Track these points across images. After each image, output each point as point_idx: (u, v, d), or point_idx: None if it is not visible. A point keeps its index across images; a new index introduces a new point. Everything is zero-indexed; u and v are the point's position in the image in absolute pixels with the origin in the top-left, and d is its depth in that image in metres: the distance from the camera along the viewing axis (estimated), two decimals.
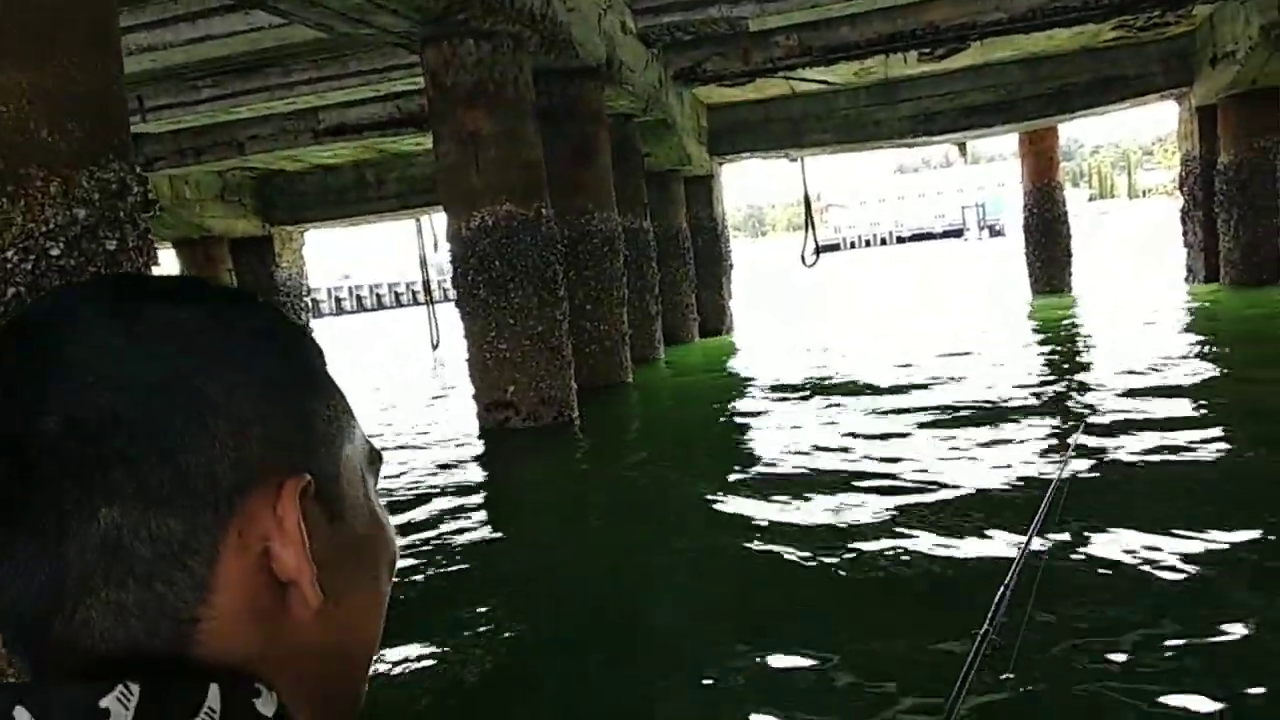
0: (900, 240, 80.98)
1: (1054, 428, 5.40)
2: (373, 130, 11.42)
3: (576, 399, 7.26)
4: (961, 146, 14.40)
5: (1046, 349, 9.11)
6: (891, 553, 3.42)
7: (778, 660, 2.67)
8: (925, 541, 3.50)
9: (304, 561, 0.42)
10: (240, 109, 10.22)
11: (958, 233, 75.70)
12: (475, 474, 6.12)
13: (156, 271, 2.99)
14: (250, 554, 0.42)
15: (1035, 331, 10.64)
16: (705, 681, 2.63)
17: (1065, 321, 11.02)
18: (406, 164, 14.19)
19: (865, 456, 5.08)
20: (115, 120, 2.85)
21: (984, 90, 12.22)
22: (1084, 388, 6.65)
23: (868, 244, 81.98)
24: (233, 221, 13.82)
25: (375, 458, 0.51)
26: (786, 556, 3.53)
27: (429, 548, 4.27)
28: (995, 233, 72.60)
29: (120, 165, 2.79)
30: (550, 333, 7.02)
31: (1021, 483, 4.22)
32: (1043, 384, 7.06)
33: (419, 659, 2.96)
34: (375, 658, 0.50)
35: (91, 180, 2.68)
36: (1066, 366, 7.96)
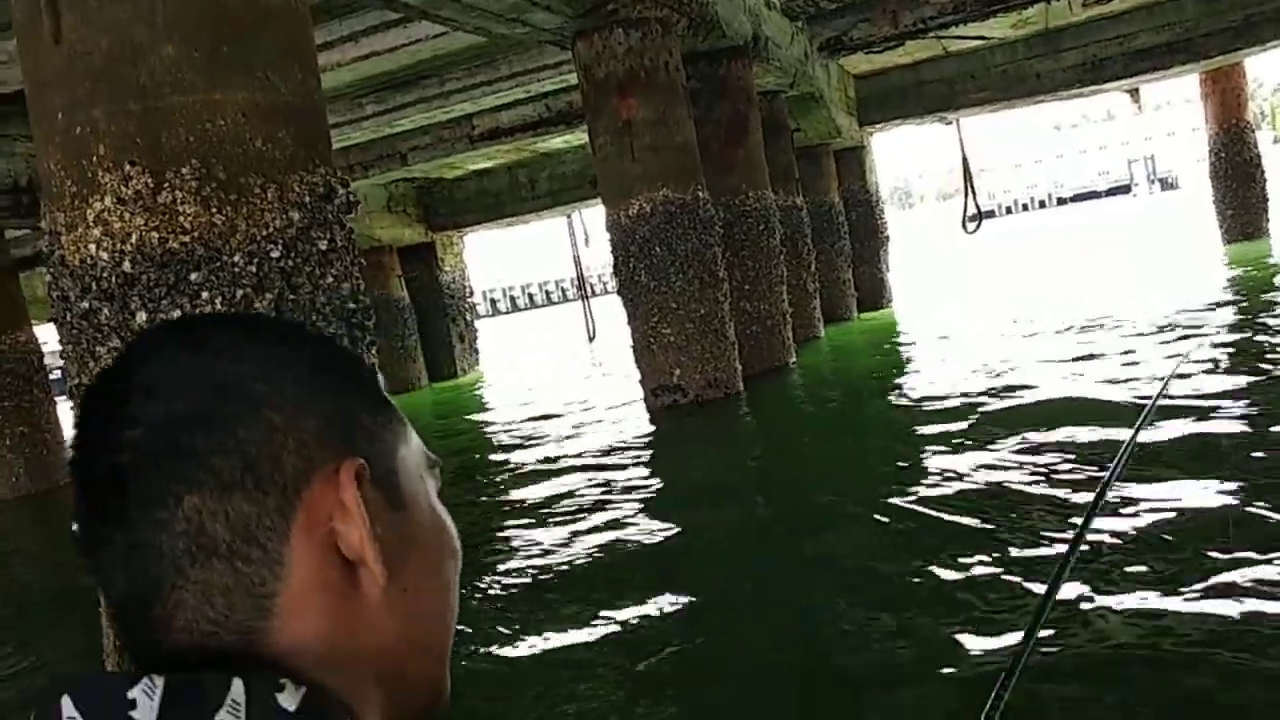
0: (1061, 202, 76.40)
1: None
2: (524, 131, 11.71)
3: (742, 380, 7.23)
4: (1134, 93, 13.40)
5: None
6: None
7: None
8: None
9: (367, 539, 0.46)
10: (402, 122, 10.69)
11: (1125, 189, 70.78)
12: (647, 455, 6.19)
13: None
14: (317, 533, 0.46)
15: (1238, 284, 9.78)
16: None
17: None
18: (556, 162, 14.50)
19: (1051, 456, 4.79)
20: (318, 128, 3.02)
21: (1158, 30, 11.32)
22: None
23: (1025, 207, 77.77)
24: (399, 230, 14.51)
25: (433, 463, 0.55)
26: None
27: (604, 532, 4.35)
28: (1168, 185, 67.46)
29: (325, 170, 2.95)
30: (713, 315, 7.02)
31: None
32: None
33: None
34: (449, 651, 0.53)
35: (302, 185, 2.85)
36: None
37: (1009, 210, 76.49)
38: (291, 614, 0.45)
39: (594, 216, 15.77)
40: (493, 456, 7.53)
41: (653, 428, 6.91)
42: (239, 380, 0.47)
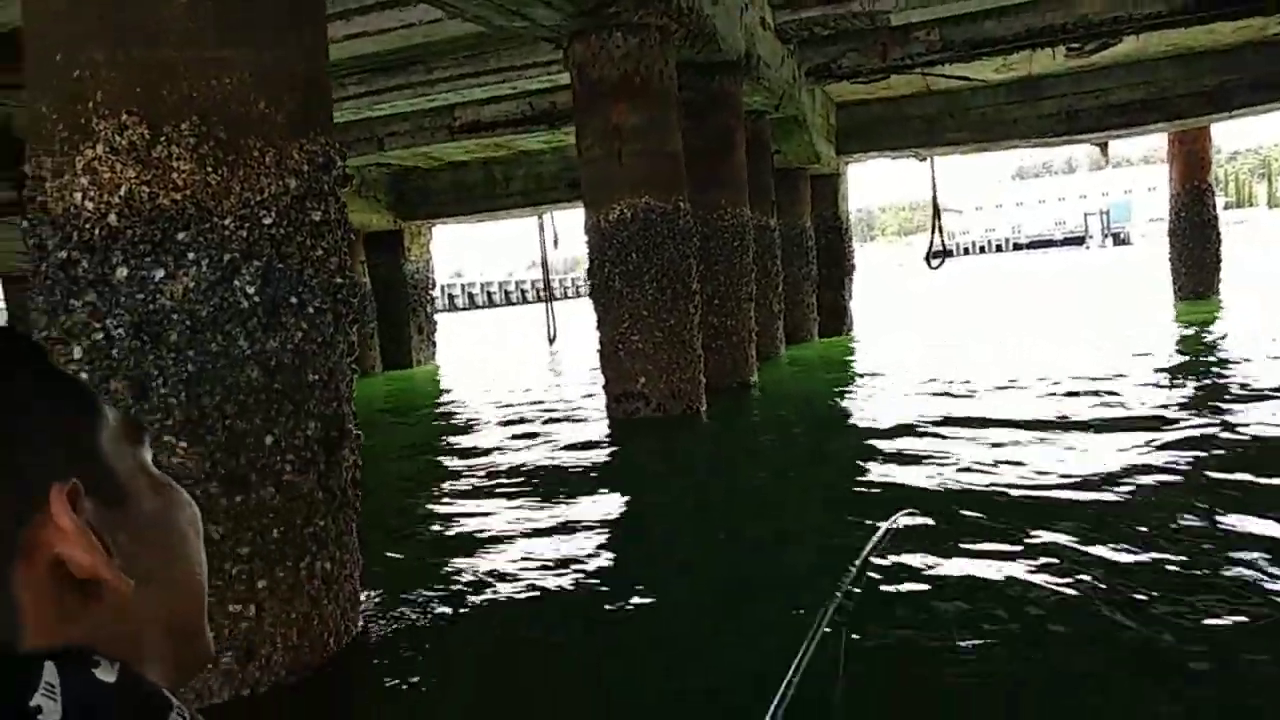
0: (1017, 247, 78.13)
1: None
2: (505, 127, 11.63)
3: (704, 394, 7.23)
4: (1103, 147, 13.75)
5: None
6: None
7: None
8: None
9: (95, 556, 0.44)
10: (382, 106, 10.55)
11: (1079, 240, 72.60)
12: (606, 457, 6.15)
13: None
14: (41, 567, 0.43)
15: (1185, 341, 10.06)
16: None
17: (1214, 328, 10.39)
18: (533, 162, 14.42)
19: (1004, 467, 4.87)
20: (322, 96, 2.95)
21: (1133, 87, 11.64)
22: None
23: (982, 250, 79.39)
24: (368, 216, 14.30)
25: (136, 430, 0.52)
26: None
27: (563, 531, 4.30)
28: (1120, 240, 69.38)
29: (325, 139, 2.88)
30: (682, 326, 7.00)
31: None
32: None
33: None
34: (205, 608, 0.52)
35: (301, 152, 2.78)
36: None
37: (966, 251, 77.98)
38: (44, 640, 0.43)
39: (564, 219, 15.78)
40: (441, 445, 7.42)
41: (609, 432, 6.88)
42: None
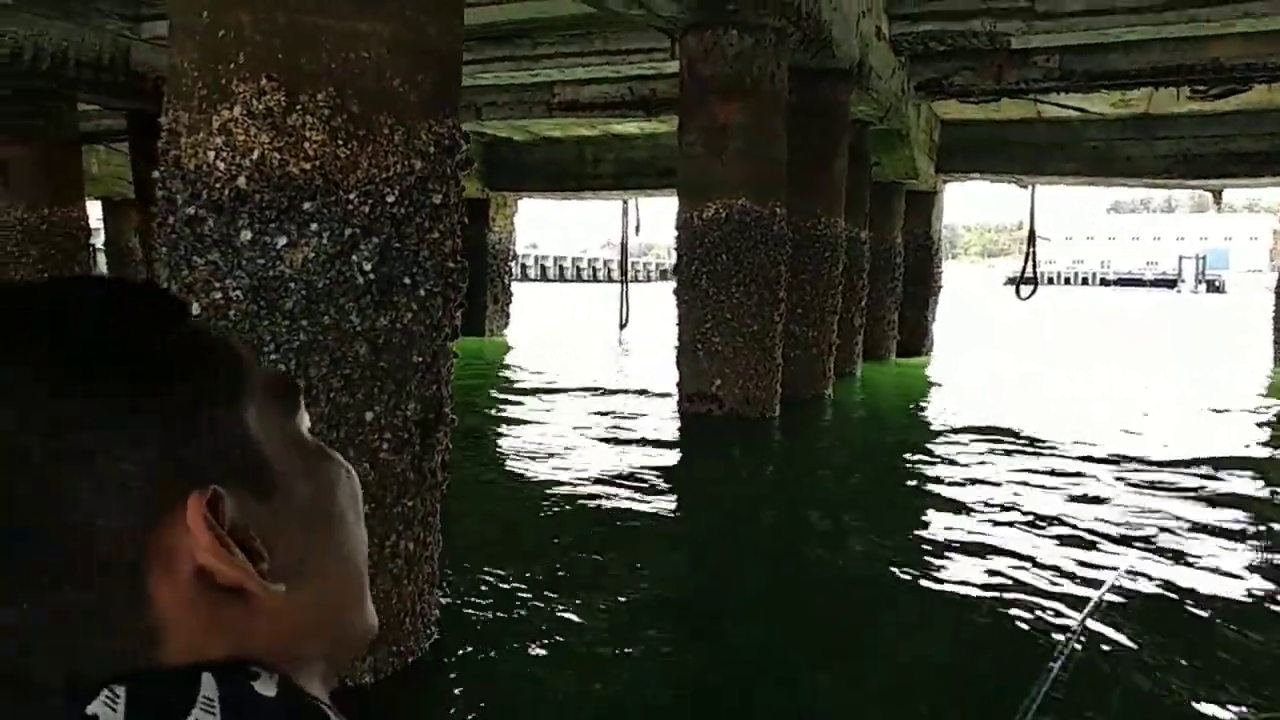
0: (1105, 283, 75.71)
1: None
2: (604, 110, 11.63)
3: (779, 403, 7.14)
4: (1218, 194, 13.20)
5: None
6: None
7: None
8: None
9: (239, 570, 0.41)
10: (485, 76, 10.61)
11: (1170, 283, 70.05)
12: (674, 459, 6.11)
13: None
14: (182, 578, 0.40)
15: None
16: None
17: None
18: (626, 146, 14.39)
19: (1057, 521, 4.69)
20: (454, 77, 2.94)
21: (1257, 137, 11.13)
22: None
23: (1067, 281, 77.19)
24: None
25: (289, 395, 0.47)
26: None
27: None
28: (1213, 288, 66.81)
29: (453, 121, 2.88)
30: (765, 333, 6.92)
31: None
32: None
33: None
34: (367, 591, 0.48)
35: (430, 133, 2.77)
36: None
37: (1051, 280, 75.81)
38: (190, 658, 0.40)
39: (647, 205, 15.72)
40: (504, 429, 7.46)
41: (679, 432, 6.84)
42: (19, 446, 0.38)
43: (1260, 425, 8.18)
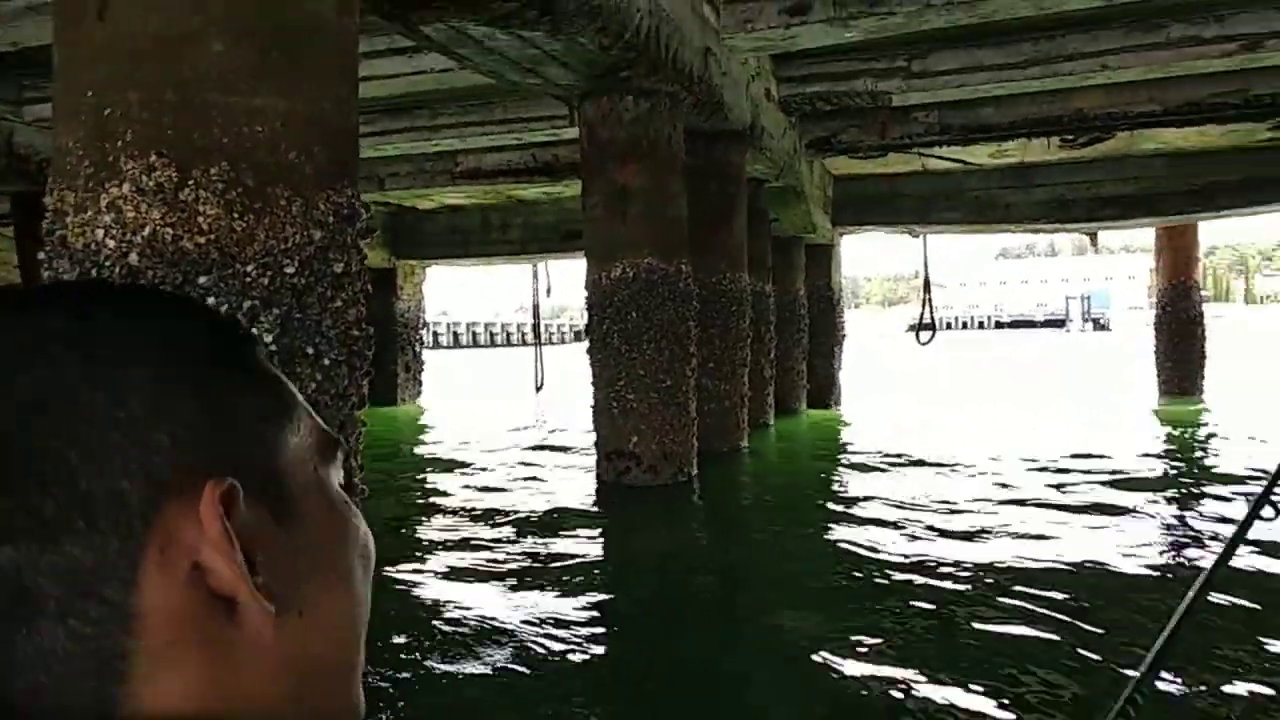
0: (999, 325, 79.09)
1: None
2: (507, 176, 11.74)
3: (695, 457, 7.20)
4: (1093, 236, 14.01)
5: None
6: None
7: None
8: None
9: (237, 571, 0.38)
10: (385, 147, 10.63)
11: (1059, 323, 73.62)
12: (594, 527, 6.09)
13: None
14: (177, 571, 0.38)
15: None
16: None
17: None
18: (531, 211, 14.52)
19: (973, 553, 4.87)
20: (350, 147, 2.97)
21: (1123, 181, 11.91)
22: None
23: (964, 325, 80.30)
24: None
25: (330, 445, 0.46)
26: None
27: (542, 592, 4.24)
28: (1100, 326, 70.40)
29: (352, 191, 2.89)
30: (678, 388, 7.00)
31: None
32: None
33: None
34: (360, 668, 0.45)
35: (328, 203, 2.78)
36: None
37: (949, 325, 78.79)
38: (153, 673, 0.37)
39: (558, 267, 15.83)
40: (423, 488, 7.34)
41: (596, 495, 6.83)
42: (60, 386, 0.38)
43: (1142, 456, 8.61)
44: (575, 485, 7.40)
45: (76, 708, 0.36)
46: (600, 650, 3.59)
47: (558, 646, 3.50)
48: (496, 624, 3.78)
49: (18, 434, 0.37)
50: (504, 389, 18.31)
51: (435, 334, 52.99)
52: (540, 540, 5.46)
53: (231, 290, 2.57)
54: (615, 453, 6.97)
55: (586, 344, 7.26)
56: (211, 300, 2.54)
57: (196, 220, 2.55)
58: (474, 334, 57.29)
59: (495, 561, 4.95)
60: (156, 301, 0.44)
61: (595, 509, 6.54)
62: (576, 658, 3.42)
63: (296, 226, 2.69)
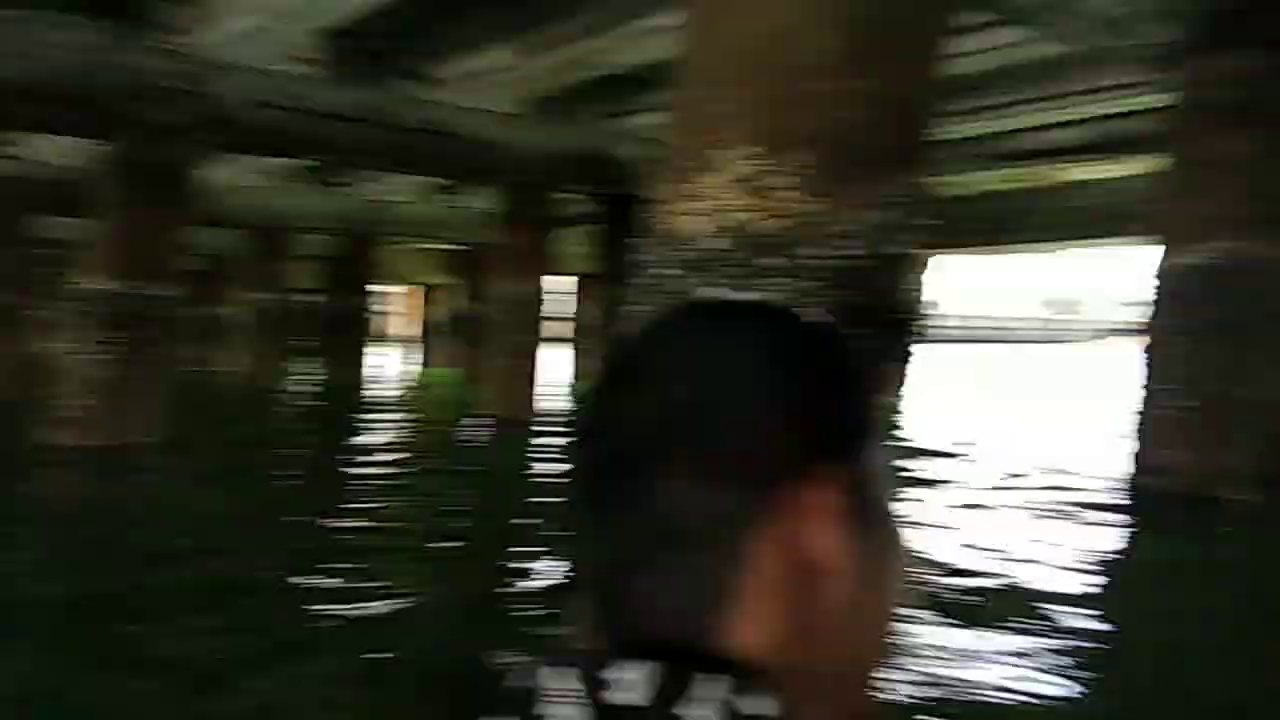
0: None
1: None
2: (1057, 156, 10.81)
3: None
4: None
5: None
6: None
7: None
8: None
9: (835, 551, 0.45)
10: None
11: None
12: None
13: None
14: (783, 535, 0.45)
15: None
16: None
17: None
18: (1064, 196, 13.11)
19: None
20: (920, 130, 2.88)
21: None
22: None
23: None
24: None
25: (892, 481, 0.51)
26: None
27: None
28: None
29: (919, 174, 2.82)
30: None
31: None
32: None
33: None
34: (880, 674, 0.49)
35: (901, 186, 2.73)
36: None
37: None
38: (748, 613, 0.44)
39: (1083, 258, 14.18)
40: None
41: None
42: (742, 373, 0.47)
43: None
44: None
45: (690, 634, 0.44)
46: None
47: None
48: None
49: (705, 401, 0.46)
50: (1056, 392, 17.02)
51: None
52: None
53: (803, 271, 2.63)
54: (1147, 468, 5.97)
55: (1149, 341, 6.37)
56: (786, 280, 2.64)
57: (779, 204, 2.66)
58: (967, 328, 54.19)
59: None
60: (794, 319, 0.52)
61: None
62: None
63: (872, 209, 2.67)
